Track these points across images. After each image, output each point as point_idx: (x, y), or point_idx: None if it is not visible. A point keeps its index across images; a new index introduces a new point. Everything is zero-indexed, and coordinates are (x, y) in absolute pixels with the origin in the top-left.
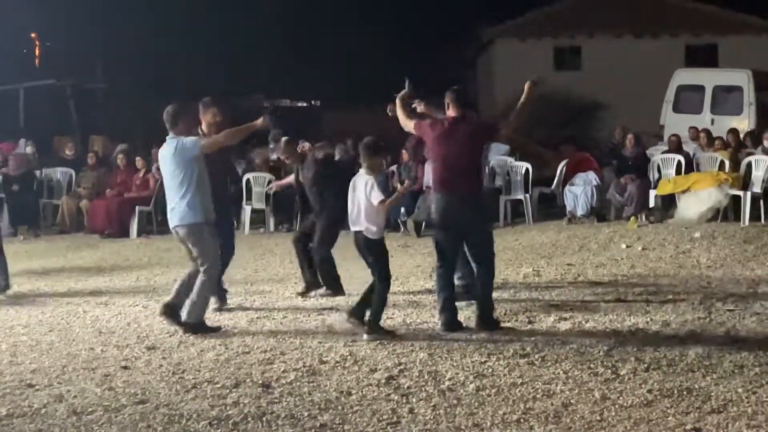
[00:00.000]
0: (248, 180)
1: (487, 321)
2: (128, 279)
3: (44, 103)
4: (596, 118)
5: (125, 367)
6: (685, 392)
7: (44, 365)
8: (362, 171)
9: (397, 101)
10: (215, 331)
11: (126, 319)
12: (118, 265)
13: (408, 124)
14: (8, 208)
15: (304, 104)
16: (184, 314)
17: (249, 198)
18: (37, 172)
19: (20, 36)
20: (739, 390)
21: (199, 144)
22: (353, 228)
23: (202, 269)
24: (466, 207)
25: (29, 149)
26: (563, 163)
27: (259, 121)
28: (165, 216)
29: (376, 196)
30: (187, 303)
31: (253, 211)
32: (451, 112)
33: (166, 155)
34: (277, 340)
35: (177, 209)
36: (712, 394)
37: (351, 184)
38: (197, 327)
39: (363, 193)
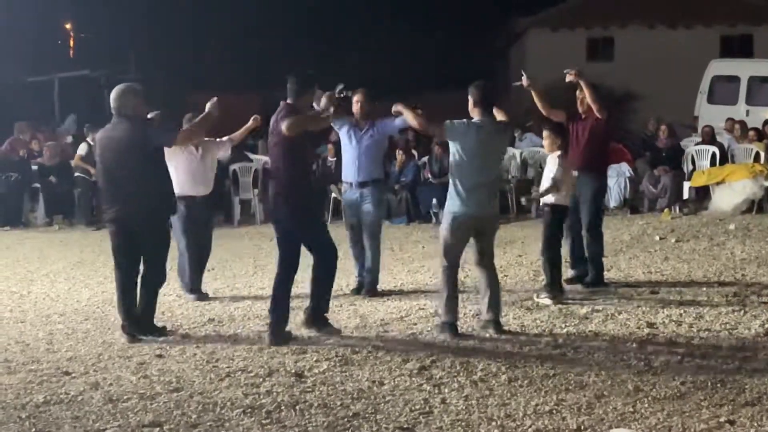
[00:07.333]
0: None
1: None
2: None
3: (78, 94)
4: (629, 109)
5: (160, 356)
6: (718, 385)
7: (80, 353)
8: None
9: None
10: None
11: (160, 308)
12: None
13: (555, 113)
14: (44, 197)
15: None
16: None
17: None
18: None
19: (55, 27)
20: None
21: None
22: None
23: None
24: None
25: (69, 138)
26: None
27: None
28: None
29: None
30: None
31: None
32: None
33: (487, 140)
34: (309, 329)
35: None
36: (746, 386)
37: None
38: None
39: None
